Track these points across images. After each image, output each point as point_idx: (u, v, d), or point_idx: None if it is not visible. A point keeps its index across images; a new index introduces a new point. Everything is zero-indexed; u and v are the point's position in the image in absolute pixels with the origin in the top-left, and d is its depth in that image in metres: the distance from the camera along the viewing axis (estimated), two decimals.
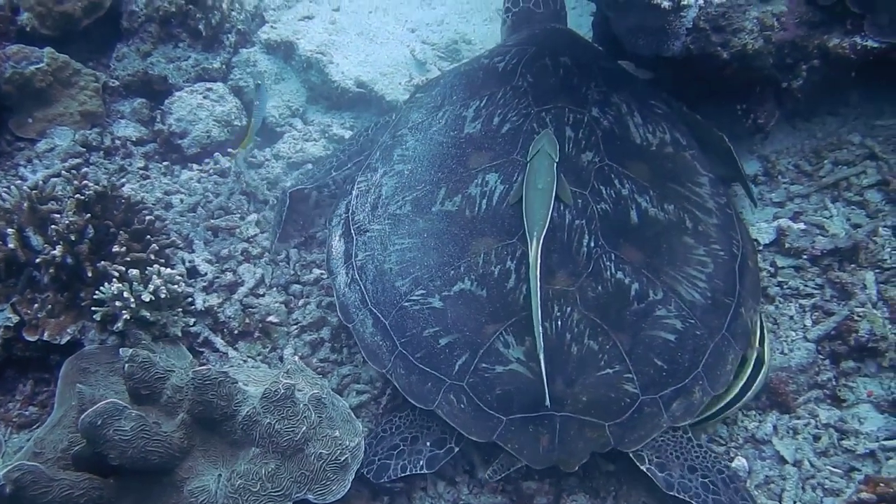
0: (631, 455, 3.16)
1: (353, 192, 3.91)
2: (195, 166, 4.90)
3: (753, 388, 3.43)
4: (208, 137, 4.96)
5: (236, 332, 3.93)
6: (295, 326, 4.02)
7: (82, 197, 3.59)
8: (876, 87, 4.36)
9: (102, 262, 3.53)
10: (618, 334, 3.20)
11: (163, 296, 3.55)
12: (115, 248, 3.59)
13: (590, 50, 4.41)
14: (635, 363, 3.17)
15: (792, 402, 3.56)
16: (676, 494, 3.11)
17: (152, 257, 3.71)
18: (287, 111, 5.36)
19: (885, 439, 3.40)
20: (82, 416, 2.64)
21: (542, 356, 3.05)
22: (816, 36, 3.94)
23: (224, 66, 5.35)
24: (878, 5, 3.78)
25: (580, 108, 3.80)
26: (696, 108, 4.24)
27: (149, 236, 3.79)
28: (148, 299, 3.49)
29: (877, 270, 3.82)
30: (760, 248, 4.03)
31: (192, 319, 3.81)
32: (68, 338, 3.55)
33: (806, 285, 3.90)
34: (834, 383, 3.59)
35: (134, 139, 5.03)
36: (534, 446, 3.09)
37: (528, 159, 3.54)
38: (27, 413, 3.58)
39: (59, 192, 3.76)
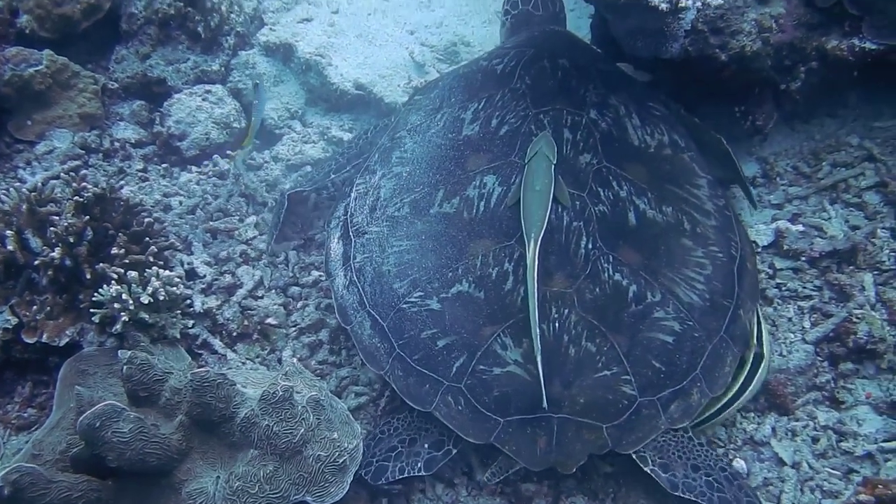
0: (634, 457, 3.16)
1: (352, 195, 3.92)
2: (194, 168, 4.90)
3: (753, 383, 3.42)
4: (207, 139, 4.96)
5: (235, 334, 3.94)
6: (293, 328, 4.02)
7: (81, 199, 3.59)
8: (874, 88, 4.37)
9: (101, 264, 3.53)
10: (615, 336, 3.20)
11: (161, 298, 3.55)
12: (114, 251, 3.59)
13: (588, 52, 4.42)
14: (633, 365, 3.17)
15: (790, 403, 3.56)
16: (682, 494, 3.10)
17: (151, 259, 3.71)
18: (286, 113, 5.36)
19: (884, 441, 3.40)
20: (81, 418, 2.64)
21: (539, 358, 3.05)
22: (815, 38, 3.95)
23: (223, 69, 5.36)
24: (876, 7, 3.78)
25: (578, 110, 3.80)
26: (694, 110, 4.25)
27: (147, 238, 3.78)
28: (147, 301, 3.49)
29: (875, 272, 3.82)
30: (759, 249, 4.03)
31: (191, 321, 3.82)
32: (67, 340, 3.54)
33: (804, 287, 3.91)
34: (832, 385, 3.60)
35: (133, 141, 5.03)
36: (531, 448, 3.09)
37: (526, 161, 3.55)
38: (26, 415, 3.58)
39: (58, 195, 3.76)
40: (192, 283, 4.02)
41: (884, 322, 3.63)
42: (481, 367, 3.19)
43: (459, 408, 3.18)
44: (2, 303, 3.57)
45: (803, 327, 3.77)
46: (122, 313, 3.45)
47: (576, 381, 3.13)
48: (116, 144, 4.97)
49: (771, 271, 3.99)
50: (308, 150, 5.07)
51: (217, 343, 3.87)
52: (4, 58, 4.66)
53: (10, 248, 3.52)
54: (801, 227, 4.05)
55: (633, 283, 3.32)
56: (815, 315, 3.80)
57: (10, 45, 4.78)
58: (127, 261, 3.61)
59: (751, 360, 3.45)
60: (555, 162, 3.50)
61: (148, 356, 2.99)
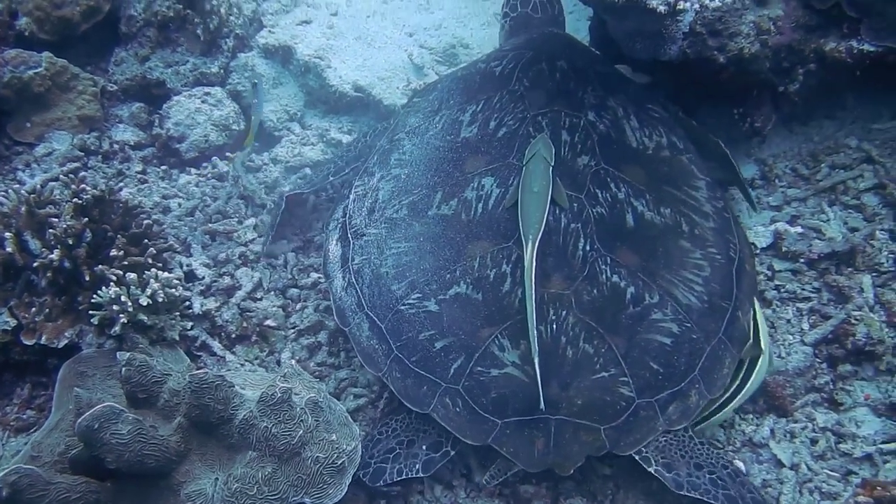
0: (637, 458, 3.17)
1: (351, 196, 3.92)
2: (193, 170, 4.91)
3: (750, 382, 3.41)
4: (206, 142, 4.97)
5: (234, 335, 3.94)
6: (292, 330, 4.02)
7: (80, 201, 3.59)
8: (873, 90, 4.37)
9: (100, 266, 3.53)
10: (613, 338, 3.21)
11: (160, 299, 3.56)
12: (113, 252, 3.59)
13: (586, 54, 4.41)
14: (631, 367, 3.18)
15: (789, 405, 3.57)
16: (687, 493, 3.11)
17: (150, 261, 3.71)
18: (285, 115, 5.36)
19: (883, 442, 3.41)
20: (79, 420, 2.65)
21: (536, 359, 3.05)
22: (813, 40, 3.95)
23: (222, 71, 5.36)
24: (874, 9, 3.79)
25: (576, 111, 3.81)
26: (693, 112, 4.26)
27: (146, 240, 3.78)
28: (145, 303, 3.49)
29: (874, 274, 3.83)
30: (758, 251, 4.03)
31: (190, 323, 3.83)
32: (66, 341, 3.55)
33: (803, 289, 3.91)
34: (831, 387, 3.60)
35: (132, 143, 5.03)
36: (529, 450, 3.09)
37: (524, 163, 3.55)
38: (25, 417, 3.59)
39: (57, 197, 3.76)
40: (190, 284, 4.02)
41: (882, 324, 3.64)
42: (479, 368, 3.19)
43: (457, 409, 3.19)
44: (1, 304, 3.57)
45: (802, 329, 3.78)
46: (121, 315, 3.45)
47: (573, 382, 3.13)
48: (115, 146, 4.97)
49: (770, 273, 3.99)
50: (307, 152, 5.06)
51: (216, 345, 3.87)
52: (4, 60, 4.66)
53: (9, 249, 3.52)
54: (799, 229, 4.06)
55: (631, 285, 3.33)
56: (813, 317, 3.81)
57: (9, 48, 4.79)
58: (126, 263, 3.62)
59: (747, 360, 3.44)
60: (553, 164, 3.51)
61: (147, 358, 3.00)
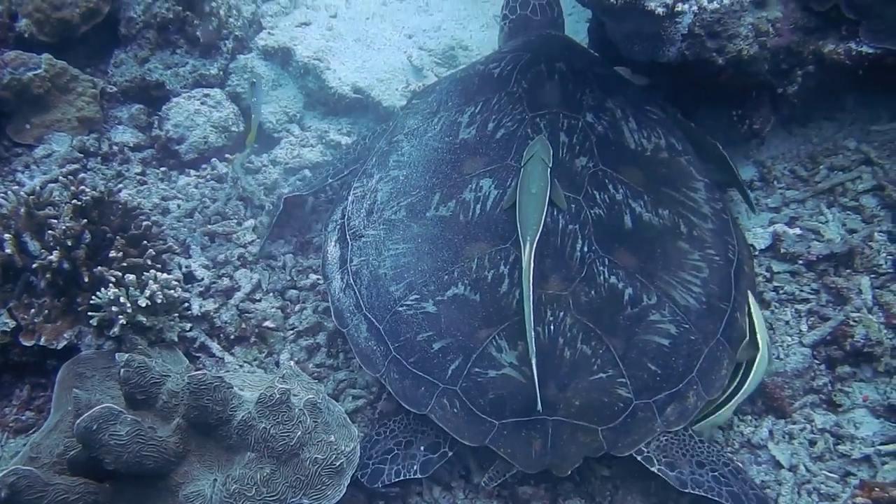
0: (639, 459, 3.16)
1: (349, 198, 3.92)
2: (192, 172, 4.91)
3: (750, 379, 3.39)
4: (206, 143, 4.97)
5: (233, 337, 3.94)
6: (291, 331, 4.03)
7: (79, 202, 3.59)
8: (872, 92, 4.37)
9: (99, 268, 3.53)
10: (611, 339, 3.21)
11: (159, 301, 3.56)
12: (112, 254, 3.59)
13: (585, 56, 4.42)
14: (629, 368, 3.18)
15: (788, 406, 3.56)
16: (691, 491, 3.10)
17: (149, 262, 3.71)
18: (284, 117, 5.36)
19: (881, 444, 3.40)
20: (78, 421, 2.65)
21: (534, 360, 3.05)
22: (812, 42, 3.95)
23: (221, 73, 5.37)
24: (873, 11, 3.79)
25: (575, 113, 3.81)
26: (691, 114, 4.26)
27: (145, 241, 3.78)
28: (144, 304, 3.49)
29: (872, 275, 3.82)
30: (756, 253, 4.03)
31: (189, 324, 3.83)
32: (65, 343, 3.54)
33: (802, 290, 3.91)
34: (830, 388, 3.60)
35: (131, 145, 5.04)
36: (526, 451, 3.09)
37: (522, 164, 3.55)
38: (24, 418, 3.58)
39: (57, 198, 3.76)
40: (189, 286, 4.02)
41: (881, 325, 3.63)
42: (476, 369, 3.19)
43: (455, 410, 3.19)
44: (0, 306, 3.57)
45: (800, 330, 3.77)
46: (120, 316, 3.45)
47: (571, 383, 3.13)
48: (115, 148, 4.97)
49: (768, 274, 3.99)
50: (306, 153, 5.07)
51: (215, 346, 3.87)
52: (3, 62, 4.67)
53: (8, 251, 3.52)
54: (798, 231, 4.06)
55: (629, 286, 3.33)
56: (812, 318, 3.80)
57: (8, 49, 4.79)
58: (125, 264, 3.62)
59: (745, 361, 3.44)
60: (551, 165, 3.51)
61: (145, 359, 2.99)
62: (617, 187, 3.58)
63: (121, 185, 4.60)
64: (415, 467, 3.23)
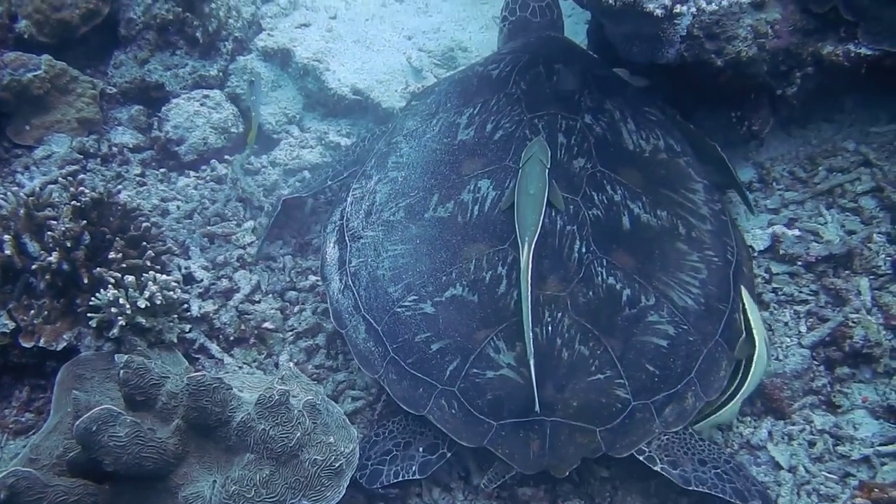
0: (642, 459, 3.17)
1: (348, 199, 3.93)
2: (192, 173, 4.91)
3: (750, 379, 3.38)
4: (205, 144, 4.97)
5: (232, 338, 3.94)
6: (290, 333, 4.03)
7: (78, 203, 3.59)
8: (870, 94, 4.37)
9: (98, 269, 3.54)
10: (609, 340, 3.21)
11: (158, 302, 3.56)
12: (112, 255, 3.60)
13: (584, 57, 4.43)
14: (627, 368, 3.18)
15: (787, 408, 3.57)
16: (695, 488, 3.10)
17: (148, 264, 3.71)
18: (284, 118, 5.36)
19: (880, 445, 3.40)
20: (77, 422, 2.64)
21: (532, 361, 3.05)
22: (810, 43, 3.95)
23: (221, 74, 5.36)
24: (871, 13, 3.79)
25: (573, 114, 3.82)
26: (691, 115, 4.26)
27: (145, 243, 3.78)
28: (144, 306, 3.50)
29: (871, 277, 3.83)
30: (755, 254, 4.03)
31: (188, 326, 3.83)
32: (64, 344, 3.55)
33: (801, 291, 3.91)
34: (829, 389, 3.60)
35: (131, 146, 5.04)
36: (524, 451, 3.10)
37: (521, 166, 3.55)
38: (23, 419, 3.59)
39: (56, 199, 3.77)
40: (189, 287, 4.03)
41: (880, 326, 3.64)
42: (475, 370, 3.20)
43: (453, 411, 3.19)
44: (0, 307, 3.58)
45: (800, 332, 3.78)
46: (119, 317, 3.45)
47: (569, 384, 3.13)
48: (114, 149, 4.97)
49: (767, 276, 3.99)
50: (306, 154, 5.07)
51: (214, 347, 3.87)
52: (3, 63, 4.66)
53: (7, 252, 3.53)
54: (797, 232, 4.06)
55: (627, 287, 3.33)
56: (811, 319, 3.81)
57: (8, 50, 4.79)
58: (124, 265, 3.62)
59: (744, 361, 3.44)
60: (549, 166, 3.51)
61: (145, 360, 2.99)
62: (615, 188, 3.58)
63: (120, 187, 4.59)
64: (413, 468, 3.23)
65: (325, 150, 5.15)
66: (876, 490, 3.18)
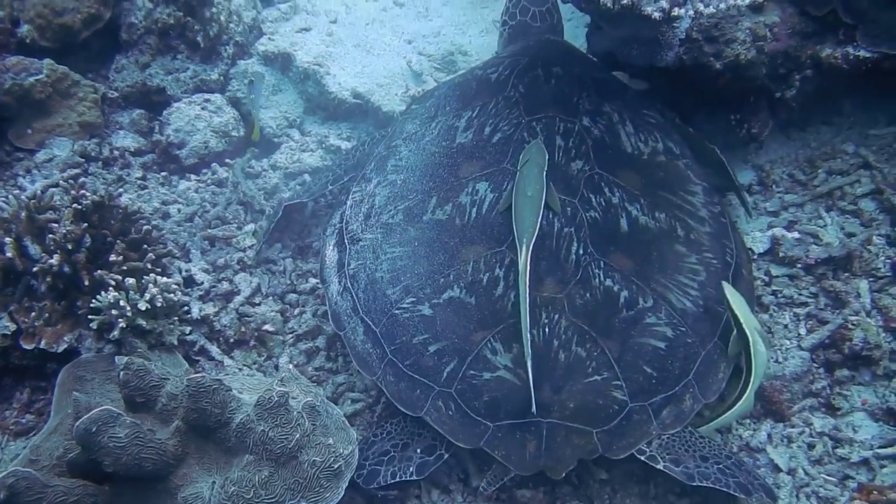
0: (643, 459, 3.16)
1: (348, 202, 3.94)
2: (193, 176, 4.93)
3: (753, 379, 3.31)
4: (206, 148, 4.99)
5: (232, 340, 3.95)
6: (290, 335, 4.04)
7: (80, 206, 3.61)
8: (869, 96, 4.38)
9: (99, 271, 3.55)
10: (606, 341, 3.21)
11: (159, 304, 3.57)
12: (112, 258, 3.61)
13: (583, 60, 4.44)
14: (624, 370, 3.18)
15: (786, 410, 3.56)
16: (699, 483, 3.10)
17: (149, 266, 3.73)
18: (284, 122, 5.38)
19: (880, 447, 3.40)
20: (77, 423, 2.66)
21: (529, 363, 3.06)
22: (809, 46, 3.96)
23: (222, 78, 5.38)
24: (869, 16, 3.80)
25: (571, 117, 3.83)
26: (690, 118, 4.27)
27: (146, 245, 3.80)
28: (144, 308, 3.51)
29: (871, 279, 3.82)
30: (755, 256, 4.03)
31: (189, 328, 3.84)
32: (65, 346, 3.56)
33: (800, 294, 3.91)
34: (828, 392, 3.60)
35: (132, 150, 5.06)
36: (521, 453, 3.10)
37: (518, 168, 3.56)
38: (24, 421, 3.60)
39: (57, 202, 3.78)
40: (189, 290, 4.04)
41: (879, 329, 3.64)
42: (471, 372, 3.20)
43: (450, 413, 3.20)
44: (1, 309, 3.59)
45: (799, 334, 3.78)
46: (120, 320, 3.46)
47: (566, 386, 3.14)
48: (116, 153, 5.00)
49: (767, 278, 3.99)
50: (306, 158, 5.08)
51: (214, 349, 3.88)
52: (5, 67, 4.69)
53: (8, 254, 3.54)
54: (796, 235, 4.05)
55: (625, 289, 3.34)
56: (810, 322, 3.81)
57: (10, 55, 4.81)
58: (125, 268, 3.64)
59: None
60: (546, 168, 3.52)
61: (145, 362, 3.00)
62: (613, 190, 3.59)
63: (121, 190, 4.63)
64: (411, 469, 3.23)
65: (326, 154, 5.17)
66: (875, 492, 3.18)
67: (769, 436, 3.52)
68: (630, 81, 4.53)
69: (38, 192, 3.96)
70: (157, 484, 2.85)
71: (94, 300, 3.46)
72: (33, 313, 3.57)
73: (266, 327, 4.00)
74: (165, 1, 5.15)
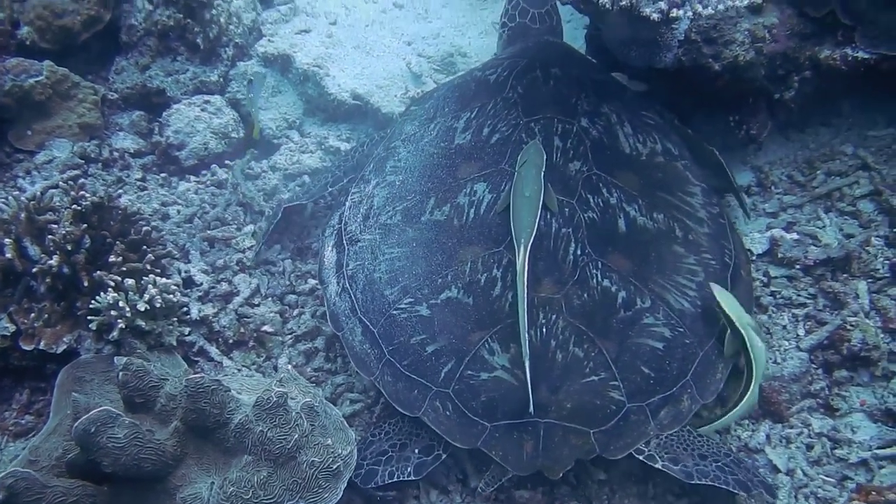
0: (642, 459, 3.16)
1: (347, 203, 3.95)
2: (192, 178, 4.94)
3: (754, 378, 3.29)
4: (206, 149, 5.00)
5: (231, 341, 3.96)
6: (289, 336, 4.04)
7: (79, 207, 3.62)
8: (868, 97, 4.38)
9: (99, 272, 3.56)
10: (604, 342, 3.21)
11: (158, 305, 3.58)
12: (112, 259, 3.62)
13: (581, 62, 4.44)
14: (622, 371, 3.18)
15: (785, 411, 3.56)
16: (698, 481, 3.10)
17: (148, 267, 3.74)
18: (284, 123, 5.38)
19: (878, 448, 3.40)
20: (76, 424, 2.66)
21: (527, 363, 3.06)
22: (808, 47, 3.97)
23: (222, 79, 5.39)
24: (868, 17, 3.81)
25: (569, 118, 3.83)
26: (689, 120, 4.27)
27: (145, 247, 3.81)
28: (143, 309, 3.51)
29: (869, 280, 3.82)
30: (753, 257, 4.04)
31: (188, 329, 3.85)
32: (64, 347, 3.57)
33: (799, 295, 3.91)
34: (827, 392, 3.60)
35: (132, 151, 5.07)
36: (518, 453, 3.10)
37: (516, 169, 3.56)
38: (23, 422, 3.61)
39: (57, 203, 3.79)
40: (188, 290, 4.05)
41: (878, 329, 3.64)
42: (469, 372, 3.21)
43: (447, 413, 3.20)
44: (0, 310, 3.59)
45: (798, 335, 3.78)
46: (119, 320, 3.47)
47: (563, 386, 3.13)
48: (115, 154, 5.00)
49: (766, 279, 3.99)
50: (306, 159, 5.09)
51: (213, 350, 3.89)
52: (5, 68, 4.70)
53: (8, 255, 3.55)
54: (795, 236, 4.06)
55: (623, 290, 3.34)
56: (809, 323, 3.81)
57: (10, 56, 4.82)
58: (124, 269, 3.64)
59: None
60: (544, 169, 3.51)
61: (144, 363, 3.01)
62: (611, 191, 3.59)
63: (121, 191, 4.64)
64: (409, 469, 3.24)
65: (325, 155, 5.17)
66: (874, 493, 3.17)
67: (768, 436, 3.52)
68: (629, 83, 4.54)
69: (38, 193, 3.96)
70: (155, 484, 2.86)
71: (93, 301, 3.47)
72: (33, 314, 3.58)
73: (265, 328, 4.01)
74: (165, 3, 5.15)
